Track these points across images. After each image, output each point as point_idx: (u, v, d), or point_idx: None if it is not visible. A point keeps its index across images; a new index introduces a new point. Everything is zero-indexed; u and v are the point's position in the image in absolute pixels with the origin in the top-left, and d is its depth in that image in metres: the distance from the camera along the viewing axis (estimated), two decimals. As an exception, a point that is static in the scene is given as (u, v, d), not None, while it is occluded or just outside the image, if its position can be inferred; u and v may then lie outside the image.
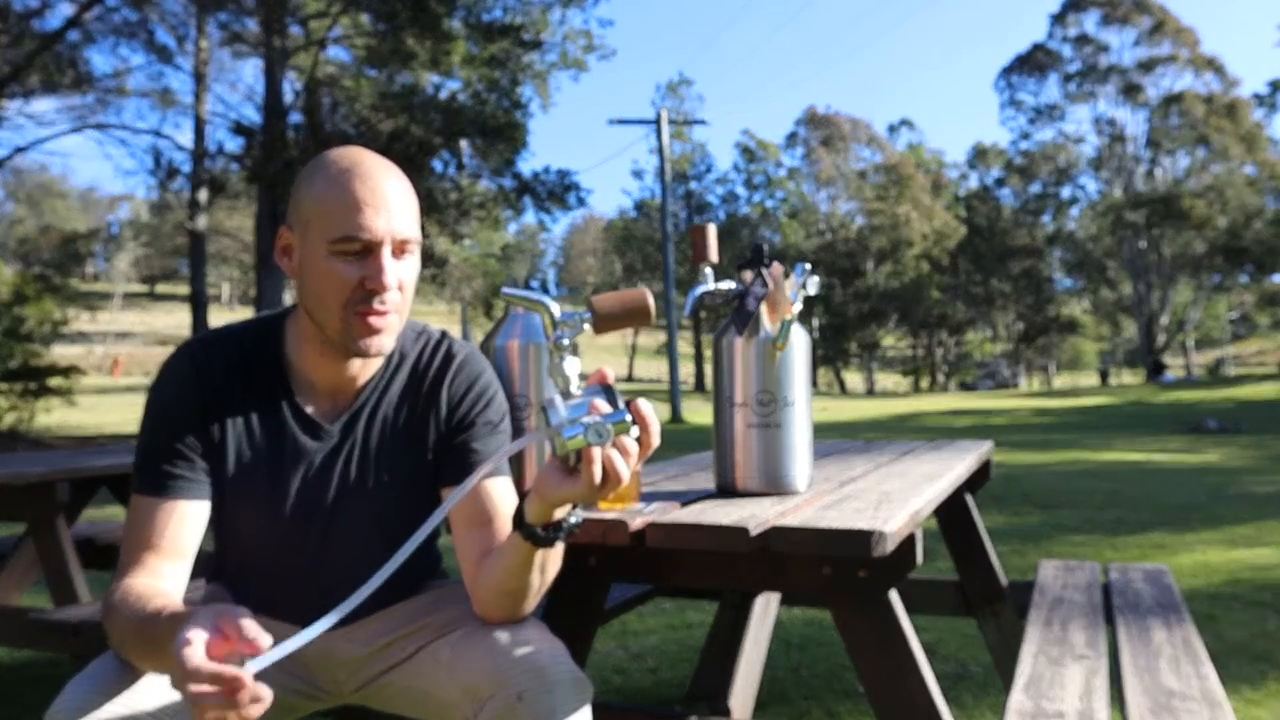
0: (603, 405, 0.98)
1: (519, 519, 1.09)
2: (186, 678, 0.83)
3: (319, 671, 1.30)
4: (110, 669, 1.07)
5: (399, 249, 1.15)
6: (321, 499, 1.24)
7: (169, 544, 1.14)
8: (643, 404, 0.99)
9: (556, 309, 1.03)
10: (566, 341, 1.01)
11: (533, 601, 1.19)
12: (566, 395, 1.00)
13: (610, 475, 0.99)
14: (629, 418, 0.97)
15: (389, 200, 1.13)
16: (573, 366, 1.01)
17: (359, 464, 1.25)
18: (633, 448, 1.00)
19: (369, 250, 1.13)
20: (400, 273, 1.16)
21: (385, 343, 1.17)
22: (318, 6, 16.04)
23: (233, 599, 1.31)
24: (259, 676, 1.06)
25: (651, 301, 1.03)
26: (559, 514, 1.08)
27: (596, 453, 0.97)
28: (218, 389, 1.20)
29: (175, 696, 1.09)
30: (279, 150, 14.54)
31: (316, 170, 1.16)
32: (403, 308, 1.18)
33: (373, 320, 1.14)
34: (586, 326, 1.03)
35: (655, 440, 1.01)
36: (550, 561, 1.16)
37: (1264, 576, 4.13)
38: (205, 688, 0.83)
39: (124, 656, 1.08)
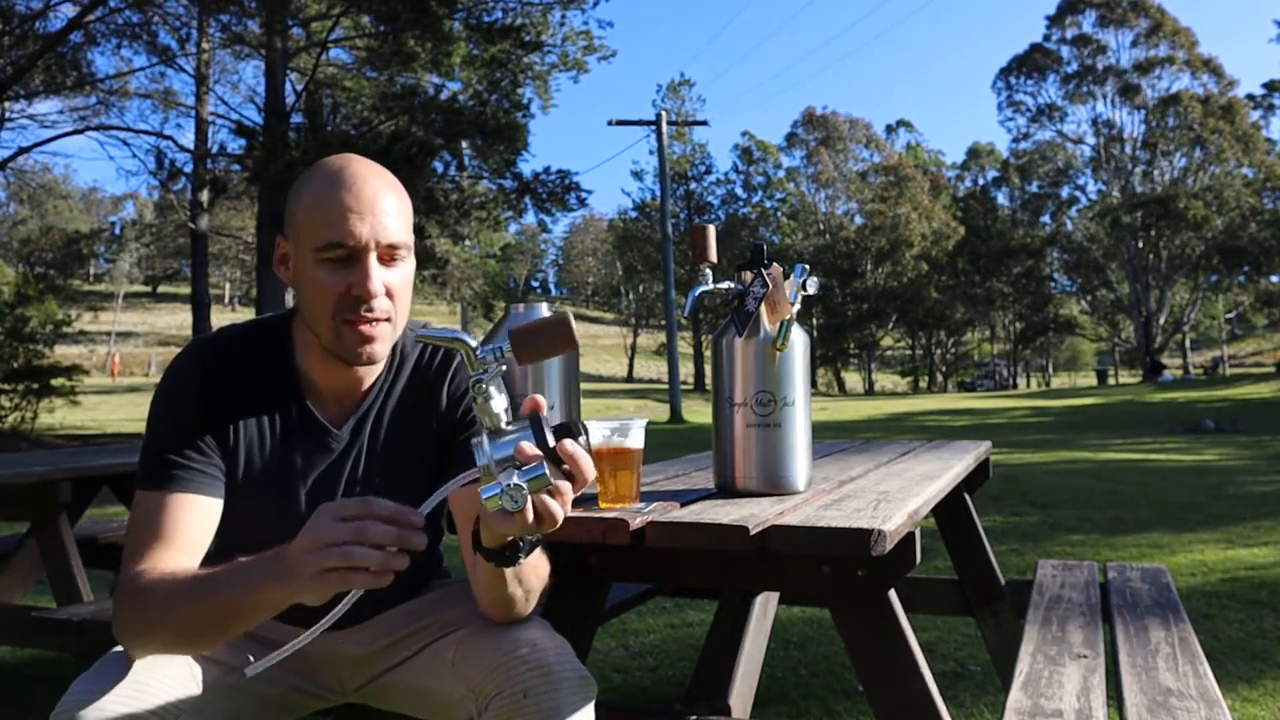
0: (529, 449, 0.94)
1: (476, 541, 1.08)
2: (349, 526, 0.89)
3: (323, 670, 1.31)
4: (116, 667, 1.07)
5: (386, 255, 1.14)
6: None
7: (182, 538, 1.12)
8: (569, 444, 0.95)
9: (475, 343, 0.98)
10: (487, 378, 0.96)
11: (531, 603, 1.19)
12: (497, 433, 0.96)
13: (544, 517, 0.96)
14: (547, 470, 0.93)
15: (374, 205, 1.13)
16: (500, 403, 0.97)
17: (366, 466, 1.25)
18: (565, 488, 0.96)
19: (354, 257, 1.12)
20: (389, 278, 1.15)
21: (378, 350, 1.16)
22: (319, 8, 16.05)
23: None
24: (262, 678, 1.07)
25: (573, 324, 0.98)
26: (509, 537, 1.05)
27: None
28: (227, 390, 1.19)
29: (182, 693, 1.09)
30: (280, 151, 14.53)
31: (307, 179, 1.16)
32: (396, 314, 1.17)
33: (362, 329, 1.14)
34: (510, 357, 0.97)
35: (589, 476, 0.98)
36: (525, 576, 1.13)
37: (1261, 575, 4.14)
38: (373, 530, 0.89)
39: (145, 642, 1.06)
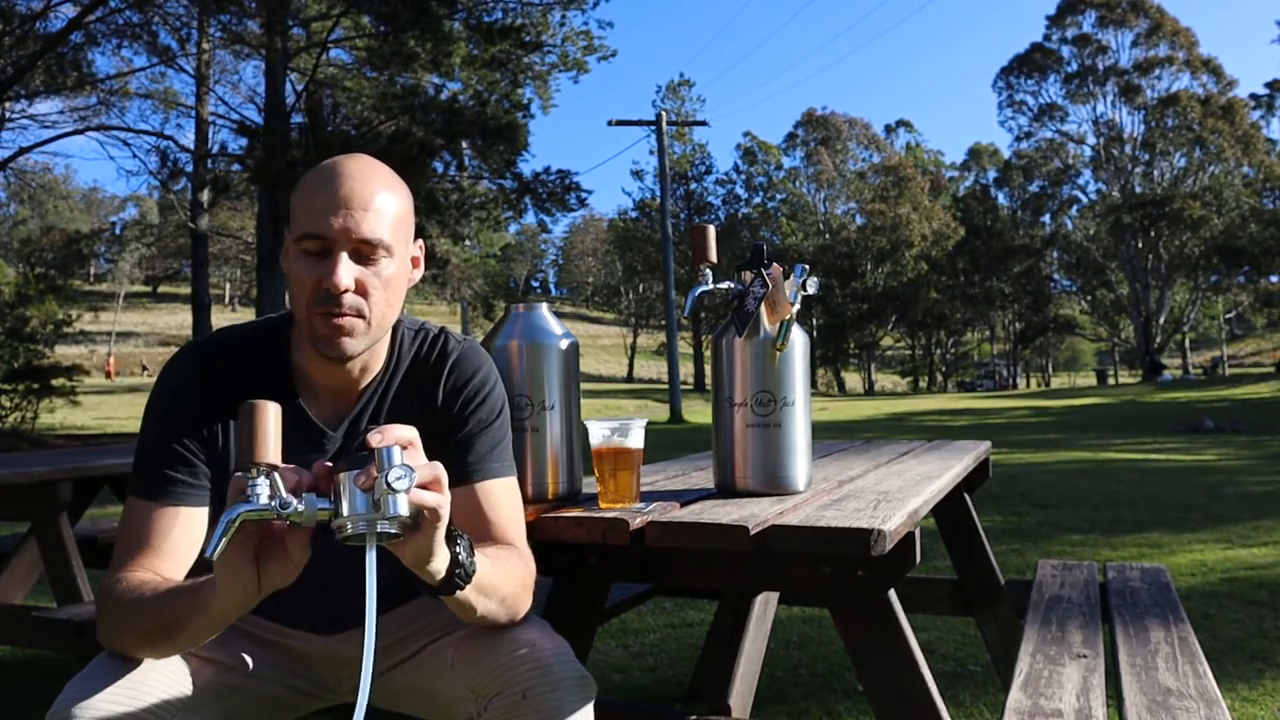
0: (362, 475, 0.90)
1: (427, 589, 1.05)
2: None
3: (322, 670, 1.31)
4: (111, 666, 1.07)
5: (362, 252, 1.13)
6: None
7: (167, 548, 1.12)
8: (367, 438, 0.92)
9: (247, 512, 0.91)
10: (291, 509, 0.90)
11: (517, 608, 1.17)
12: (335, 513, 0.91)
13: (427, 511, 0.93)
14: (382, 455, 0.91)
15: (353, 201, 1.12)
16: (308, 502, 0.91)
17: None
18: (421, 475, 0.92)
19: (327, 250, 1.12)
20: (363, 276, 1.13)
21: (348, 345, 1.15)
22: (319, 8, 16.06)
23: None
24: (260, 678, 1.04)
25: (261, 409, 0.93)
26: (436, 565, 1.00)
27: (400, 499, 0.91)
28: (220, 392, 1.18)
29: (178, 692, 1.09)
30: (281, 151, 14.55)
31: (307, 173, 1.18)
32: (373, 311, 1.15)
33: (332, 322, 1.13)
34: (276, 484, 0.91)
35: (408, 435, 0.95)
36: (490, 587, 1.09)
37: (1260, 575, 4.14)
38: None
39: (120, 644, 1.08)
